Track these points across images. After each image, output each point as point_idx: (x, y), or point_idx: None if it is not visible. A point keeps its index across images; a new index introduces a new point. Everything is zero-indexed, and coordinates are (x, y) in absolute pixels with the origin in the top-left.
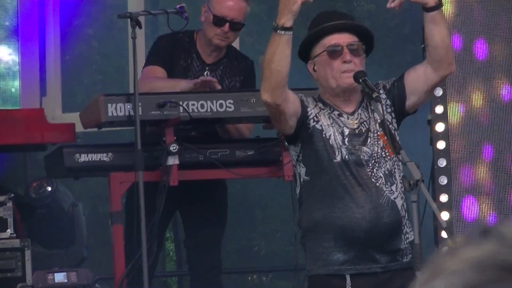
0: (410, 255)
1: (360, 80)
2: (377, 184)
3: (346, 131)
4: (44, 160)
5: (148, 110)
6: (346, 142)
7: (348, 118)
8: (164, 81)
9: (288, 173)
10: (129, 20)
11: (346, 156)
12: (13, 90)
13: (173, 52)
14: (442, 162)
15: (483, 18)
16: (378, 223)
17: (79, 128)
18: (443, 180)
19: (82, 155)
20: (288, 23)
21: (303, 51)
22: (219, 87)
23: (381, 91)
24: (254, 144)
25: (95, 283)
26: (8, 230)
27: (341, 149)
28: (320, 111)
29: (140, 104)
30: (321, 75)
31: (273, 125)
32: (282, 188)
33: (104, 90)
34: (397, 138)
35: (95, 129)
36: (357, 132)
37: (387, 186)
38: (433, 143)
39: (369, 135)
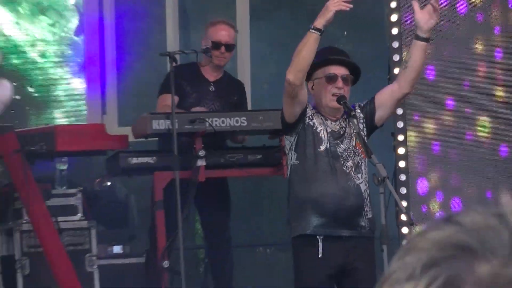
0: (368, 228)
1: (342, 103)
2: (347, 171)
3: (329, 130)
4: (105, 162)
5: (183, 124)
6: (329, 138)
7: (331, 123)
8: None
9: (287, 172)
10: (168, 57)
11: (328, 147)
12: (83, 111)
13: (180, 80)
14: (403, 177)
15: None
16: (345, 199)
17: (131, 138)
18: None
19: (133, 158)
20: (320, 26)
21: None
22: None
23: (357, 109)
24: (261, 150)
25: (143, 254)
26: (79, 214)
27: (325, 142)
28: (314, 113)
29: (176, 120)
30: (317, 93)
31: (275, 137)
32: (283, 183)
33: (149, 109)
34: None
35: (143, 139)
36: (337, 133)
37: (354, 174)
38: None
39: (345, 136)
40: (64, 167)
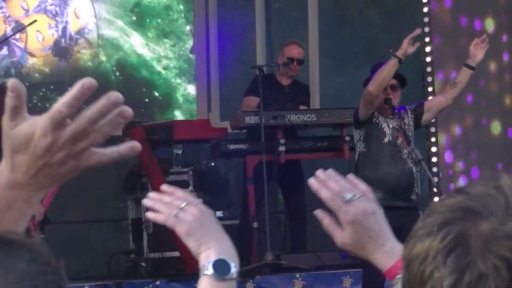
0: (416, 201)
1: (387, 102)
2: (403, 157)
3: (391, 126)
4: (209, 148)
5: (268, 119)
6: (390, 131)
7: (390, 120)
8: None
9: (346, 156)
10: (257, 69)
11: (391, 140)
12: (194, 109)
13: (263, 85)
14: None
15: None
16: (402, 179)
17: (229, 130)
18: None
19: (231, 145)
20: (400, 56)
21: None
22: None
23: (408, 111)
24: (327, 139)
25: (238, 217)
26: (190, 187)
27: (388, 135)
28: (378, 114)
29: (263, 116)
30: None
31: (337, 129)
32: (343, 165)
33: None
34: (412, 137)
35: (238, 130)
36: (395, 127)
37: (408, 160)
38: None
39: (400, 131)
40: (179, 151)
